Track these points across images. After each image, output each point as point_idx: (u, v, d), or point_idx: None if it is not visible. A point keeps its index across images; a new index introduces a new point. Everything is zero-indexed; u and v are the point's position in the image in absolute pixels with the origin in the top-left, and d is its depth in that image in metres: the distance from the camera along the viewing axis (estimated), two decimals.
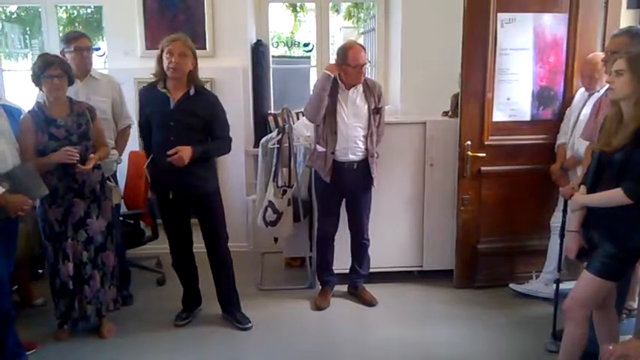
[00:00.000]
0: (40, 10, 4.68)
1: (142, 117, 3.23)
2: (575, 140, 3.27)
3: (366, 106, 3.35)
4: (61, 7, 4.99)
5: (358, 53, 3.28)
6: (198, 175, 3.14)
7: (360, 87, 3.37)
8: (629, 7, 3.73)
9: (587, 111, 3.17)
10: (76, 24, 5.87)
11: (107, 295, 3.17)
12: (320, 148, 3.41)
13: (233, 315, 3.36)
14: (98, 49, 3.74)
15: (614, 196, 2.25)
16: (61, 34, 4.71)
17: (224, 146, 3.26)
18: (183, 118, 3.05)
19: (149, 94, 3.15)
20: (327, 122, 3.35)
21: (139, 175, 3.89)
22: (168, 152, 2.97)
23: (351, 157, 3.38)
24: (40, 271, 3.88)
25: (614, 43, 2.75)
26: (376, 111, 3.38)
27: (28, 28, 5.39)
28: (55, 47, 4.54)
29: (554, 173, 3.46)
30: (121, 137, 3.66)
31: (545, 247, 3.54)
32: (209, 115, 3.12)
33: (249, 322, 3.32)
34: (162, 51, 3.02)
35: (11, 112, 3.32)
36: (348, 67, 3.28)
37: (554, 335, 3.02)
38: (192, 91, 3.08)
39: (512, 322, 3.33)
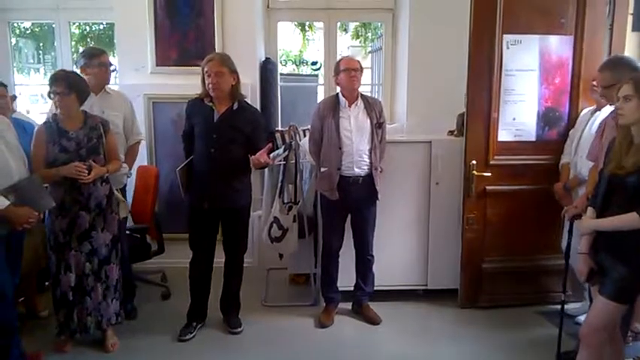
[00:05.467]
0: (53, 26, 4.79)
1: (186, 127, 3.37)
2: (578, 160, 3.28)
3: (369, 121, 3.42)
4: (73, 24, 5.08)
5: (349, 59, 3.45)
6: (236, 188, 3.28)
7: (362, 103, 3.45)
8: (634, 29, 3.76)
9: (591, 130, 3.18)
10: (89, 40, 5.96)
11: (109, 308, 3.17)
12: (323, 169, 3.46)
13: (229, 318, 3.47)
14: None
15: (629, 220, 2.22)
16: (73, 50, 4.81)
17: None
18: (226, 131, 3.20)
19: (196, 106, 3.29)
20: (330, 141, 3.40)
21: (147, 189, 3.93)
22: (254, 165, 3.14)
23: (357, 171, 3.41)
24: (47, 283, 3.90)
25: (602, 79, 2.84)
26: (378, 125, 3.45)
27: (41, 44, 5.49)
28: (67, 62, 4.65)
29: (557, 192, 3.46)
30: (131, 152, 3.72)
31: (549, 268, 3.53)
32: (251, 129, 3.27)
33: (240, 326, 3.45)
34: (203, 72, 3.18)
35: (24, 126, 3.38)
36: (341, 75, 3.41)
37: (558, 357, 3.00)
38: (235, 106, 3.23)
39: (516, 344, 3.30)
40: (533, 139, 3.65)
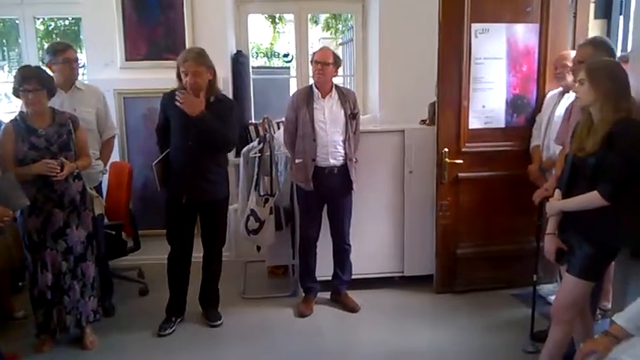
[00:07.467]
0: (17, 22, 4.66)
1: (160, 120, 3.36)
2: (551, 142, 3.35)
3: (343, 112, 3.46)
4: (38, 19, 4.96)
5: (321, 52, 3.47)
6: (213, 181, 3.28)
7: (336, 95, 3.49)
8: (596, 17, 3.87)
9: (559, 112, 3.26)
10: (54, 36, 5.83)
11: (87, 305, 3.15)
12: (298, 160, 3.48)
13: (208, 312, 3.48)
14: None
15: (590, 199, 2.31)
16: (38, 46, 4.70)
17: (226, 136, 3.23)
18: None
19: (172, 100, 3.21)
20: (304, 132, 3.43)
21: (121, 185, 3.89)
22: (179, 98, 3.06)
23: (332, 162, 3.45)
24: (21, 283, 3.84)
25: (580, 53, 2.86)
26: (352, 116, 3.49)
27: (5, 40, 5.35)
28: (33, 59, 4.53)
29: (532, 174, 3.54)
30: (106, 147, 3.68)
31: (521, 252, 3.62)
32: (224, 119, 3.23)
33: (220, 319, 3.45)
34: (178, 68, 3.15)
35: None
36: (312, 66, 3.47)
37: (531, 336, 3.09)
38: (212, 99, 3.21)
39: (491, 325, 3.39)
40: (503, 125, 3.73)
